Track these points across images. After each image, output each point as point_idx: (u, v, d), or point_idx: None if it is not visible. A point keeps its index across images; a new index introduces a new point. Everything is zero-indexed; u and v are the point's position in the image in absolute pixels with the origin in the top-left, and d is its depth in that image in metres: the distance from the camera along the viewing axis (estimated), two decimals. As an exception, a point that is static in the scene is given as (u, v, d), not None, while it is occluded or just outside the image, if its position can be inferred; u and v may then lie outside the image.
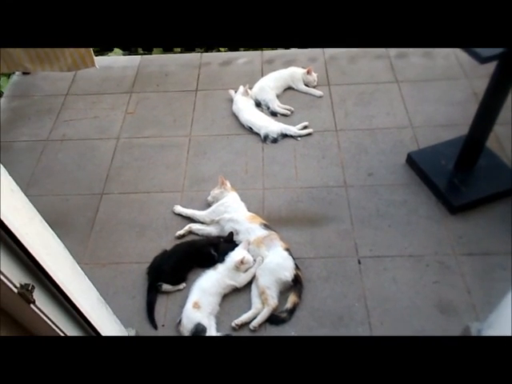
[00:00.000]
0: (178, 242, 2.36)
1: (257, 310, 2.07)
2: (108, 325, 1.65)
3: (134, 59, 3.50)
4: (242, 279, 2.16)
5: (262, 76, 3.18)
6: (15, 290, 0.99)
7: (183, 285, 2.20)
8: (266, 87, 3.06)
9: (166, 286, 2.18)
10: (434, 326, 1.98)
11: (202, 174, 2.69)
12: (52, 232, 1.31)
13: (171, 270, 2.20)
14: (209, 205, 2.49)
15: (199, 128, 2.96)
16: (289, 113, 2.98)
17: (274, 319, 2.06)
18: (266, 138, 2.82)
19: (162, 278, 2.18)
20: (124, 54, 3.77)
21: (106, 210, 2.55)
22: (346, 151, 2.73)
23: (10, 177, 1.10)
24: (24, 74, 3.39)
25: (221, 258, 2.21)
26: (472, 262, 2.18)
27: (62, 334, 1.21)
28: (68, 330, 1.25)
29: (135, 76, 3.35)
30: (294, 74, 3.15)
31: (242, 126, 2.92)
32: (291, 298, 2.10)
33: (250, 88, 3.05)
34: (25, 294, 1.01)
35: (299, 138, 2.83)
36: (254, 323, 2.03)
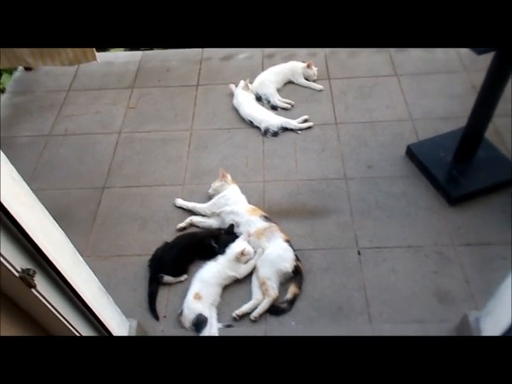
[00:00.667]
0: (180, 234, 2.38)
1: (257, 301, 2.09)
2: (109, 314, 1.67)
3: (136, 54, 3.52)
4: (242, 270, 2.18)
5: (263, 70, 3.19)
6: (16, 274, 1.01)
7: (184, 276, 2.22)
8: (267, 81, 3.07)
9: (167, 278, 2.20)
10: (433, 316, 2.00)
11: (202, 167, 2.71)
12: (53, 220, 1.33)
13: (172, 262, 2.22)
14: (210, 198, 2.51)
15: (200, 122, 2.98)
16: (289, 106, 2.99)
17: (274, 310, 2.08)
18: (266, 132, 2.83)
19: (164, 270, 2.21)
20: (125, 50, 3.78)
21: (107, 203, 2.58)
22: (346, 144, 2.75)
23: (10, 165, 1.13)
24: (26, 70, 3.42)
25: (221, 250, 2.23)
26: (470, 252, 2.19)
27: (63, 320, 1.23)
28: (69, 316, 1.27)
29: (137, 71, 3.38)
30: (294, 68, 3.16)
31: (242, 119, 2.94)
32: (291, 289, 2.12)
33: (251, 82, 3.07)
34: (26, 278, 1.03)
35: (299, 132, 2.84)
36: (255, 314, 2.05)
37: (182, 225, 2.41)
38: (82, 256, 1.52)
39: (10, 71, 3.41)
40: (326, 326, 2.01)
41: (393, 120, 2.83)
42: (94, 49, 2.74)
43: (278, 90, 3.08)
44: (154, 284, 2.19)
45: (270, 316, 2.07)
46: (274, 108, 2.98)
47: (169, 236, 2.36)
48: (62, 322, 1.25)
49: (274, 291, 2.10)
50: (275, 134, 2.82)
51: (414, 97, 2.95)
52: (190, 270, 2.24)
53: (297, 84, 3.15)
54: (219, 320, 2.06)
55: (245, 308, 2.08)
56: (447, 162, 2.48)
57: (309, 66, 3.10)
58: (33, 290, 1.08)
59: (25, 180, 1.22)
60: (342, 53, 3.34)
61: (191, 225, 2.42)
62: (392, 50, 3.31)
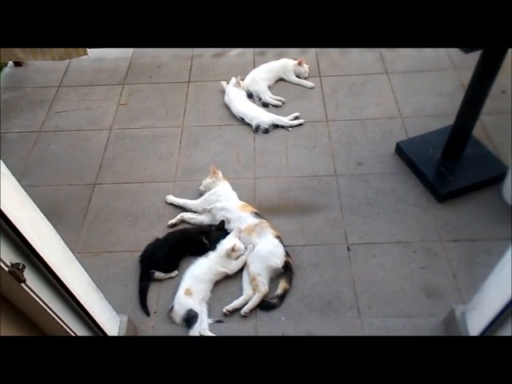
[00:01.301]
0: (171, 230, 2.39)
1: (248, 297, 2.11)
2: (100, 309, 1.68)
3: (127, 51, 3.51)
4: (233, 266, 2.19)
5: (254, 67, 3.21)
6: (6, 269, 1.02)
7: (175, 272, 2.23)
8: (258, 78, 3.08)
9: (158, 274, 2.21)
10: (421, 310, 2.03)
11: (194, 163, 2.72)
12: (43, 216, 1.34)
13: (163, 258, 2.23)
14: (201, 194, 2.52)
15: (191, 119, 2.98)
16: (280, 104, 3.00)
17: (264, 305, 2.10)
18: (257, 129, 2.85)
19: (155, 266, 2.21)
20: (116, 46, 3.77)
21: (98, 199, 2.58)
22: (337, 141, 2.77)
23: (0, 160, 1.13)
24: (16, 65, 3.40)
25: (212, 246, 2.24)
26: (458, 247, 2.22)
27: (53, 315, 1.24)
28: (59, 311, 1.28)
29: (128, 67, 3.37)
30: (285, 65, 3.17)
31: (233, 116, 2.95)
32: (282, 285, 2.14)
33: (242, 79, 3.08)
34: (16, 272, 1.04)
35: (290, 129, 2.86)
36: (245, 309, 2.07)
37: (173, 221, 2.41)
38: (72, 252, 1.53)
39: (0, 67, 3.39)
40: (315, 320, 2.03)
41: (383, 117, 2.86)
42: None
43: (270, 87, 3.10)
44: (145, 280, 2.19)
45: (261, 311, 2.09)
46: (265, 105, 3.00)
47: (160, 232, 2.37)
48: (52, 317, 1.26)
49: (264, 287, 2.11)
50: (266, 131, 2.84)
51: (404, 94, 2.98)
52: (180, 266, 2.26)
53: (288, 81, 3.16)
54: (210, 315, 2.07)
55: (235, 303, 2.09)
56: (436, 159, 2.51)
57: (300, 64, 3.12)
58: (22, 285, 1.09)
59: (15, 176, 1.22)
60: (333, 51, 3.36)
61: (182, 221, 2.43)
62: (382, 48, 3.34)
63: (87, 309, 1.43)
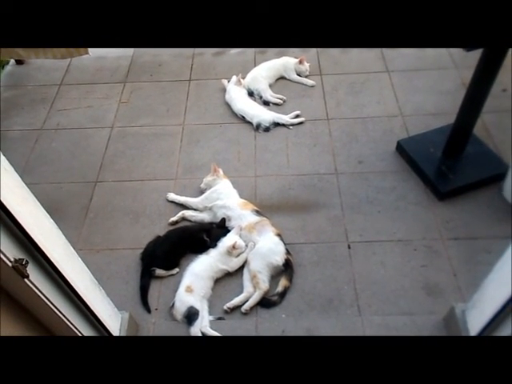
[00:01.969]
0: (172, 228, 2.40)
1: (248, 294, 2.11)
2: (101, 306, 1.69)
3: (128, 49, 3.51)
4: (233, 264, 2.20)
5: (255, 66, 3.21)
6: (9, 264, 1.03)
7: (176, 270, 2.24)
8: (259, 77, 3.09)
9: (159, 271, 2.22)
10: (421, 308, 2.04)
11: (195, 161, 2.72)
12: (45, 212, 1.34)
13: (164, 256, 2.24)
14: (202, 192, 2.52)
15: (192, 117, 2.99)
16: (281, 102, 3.01)
17: (265, 302, 2.10)
18: (258, 127, 2.85)
19: (156, 263, 2.22)
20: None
21: (100, 197, 2.58)
22: (337, 139, 2.77)
23: (2, 156, 1.14)
24: (18, 63, 3.41)
25: (213, 244, 2.25)
26: (458, 246, 2.23)
27: (56, 310, 1.25)
28: (61, 306, 1.29)
29: (129, 66, 3.37)
30: (286, 63, 3.18)
31: (234, 115, 2.96)
32: (282, 282, 2.15)
33: (243, 78, 3.08)
34: (19, 268, 1.04)
35: (291, 127, 2.86)
36: (246, 306, 2.08)
37: (174, 219, 2.42)
38: (74, 249, 1.54)
39: (2, 65, 3.39)
40: (316, 318, 2.04)
41: (383, 116, 2.86)
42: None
43: (270, 86, 3.10)
44: (146, 277, 2.20)
45: (261, 309, 2.09)
46: (266, 103, 3.00)
47: (161, 230, 2.38)
48: (55, 313, 1.26)
49: (264, 284, 2.12)
50: (267, 129, 2.84)
51: (405, 93, 2.99)
52: (181, 263, 2.26)
53: (289, 79, 3.16)
54: (210, 312, 2.08)
55: (236, 301, 2.10)
56: (436, 158, 2.51)
57: (301, 62, 3.12)
58: (25, 280, 1.09)
59: (17, 174, 1.23)
60: (334, 49, 3.36)
61: (183, 219, 2.44)
62: (383, 46, 3.34)
63: (89, 305, 1.44)
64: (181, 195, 2.53)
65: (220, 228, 2.32)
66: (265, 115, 2.87)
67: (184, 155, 2.77)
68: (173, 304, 2.09)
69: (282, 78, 3.18)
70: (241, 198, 2.45)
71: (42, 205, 1.35)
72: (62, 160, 2.79)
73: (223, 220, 2.34)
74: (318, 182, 2.57)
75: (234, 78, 3.04)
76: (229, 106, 3.00)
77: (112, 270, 2.27)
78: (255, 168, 2.66)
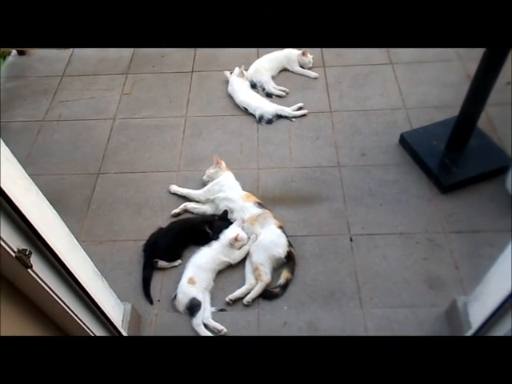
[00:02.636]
0: (174, 220, 2.40)
1: (250, 286, 2.12)
2: (104, 297, 1.69)
3: (130, 40, 3.49)
4: (236, 256, 2.20)
5: (258, 57, 3.19)
6: (13, 254, 1.03)
7: (179, 261, 2.25)
8: (262, 69, 3.07)
9: (161, 263, 2.22)
10: (423, 300, 2.04)
11: (197, 153, 2.72)
12: (48, 203, 1.35)
13: (167, 247, 2.24)
14: (204, 184, 2.52)
15: (195, 109, 2.98)
16: (284, 94, 3.00)
17: (267, 294, 2.11)
18: (260, 119, 2.84)
19: (158, 255, 2.23)
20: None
21: (102, 189, 2.58)
22: (340, 132, 2.76)
23: (5, 146, 1.14)
24: (19, 54, 3.40)
25: (215, 236, 2.25)
26: (461, 239, 2.22)
27: (59, 301, 1.25)
28: (65, 297, 1.29)
29: (131, 57, 3.36)
30: (289, 55, 3.16)
31: (237, 106, 2.95)
32: (284, 274, 2.15)
33: (246, 69, 3.07)
34: (22, 258, 1.05)
35: (294, 119, 2.85)
36: (248, 298, 2.08)
37: (177, 211, 2.42)
38: (76, 240, 1.54)
39: (4, 56, 3.38)
40: (317, 310, 2.05)
41: (387, 108, 2.85)
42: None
43: (273, 78, 3.09)
44: (149, 269, 2.21)
45: (263, 300, 2.10)
46: (268, 95, 2.99)
47: (163, 222, 2.38)
48: (58, 303, 1.27)
49: (266, 276, 2.13)
50: (270, 122, 2.83)
51: (409, 85, 2.97)
52: (184, 255, 2.27)
53: (292, 71, 3.15)
54: (212, 304, 2.09)
55: (238, 293, 2.11)
56: (440, 151, 2.50)
57: (304, 54, 3.10)
58: (29, 271, 1.10)
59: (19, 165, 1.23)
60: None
61: (185, 211, 2.44)
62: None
63: (92, 296, 1.44)
64: (183, 187, 2.53)
65: (222, 220, 2.32)
66: (267, 107, 2.86)
67: (186, 147, 2.76)
68: (175, 295, 2.09)
69: (285, 69, 3.16)
70: (243, 190, 2.45)
71: (45, 196, 1.35)
72: (65, 151, 2.79)
73: (225, 212, 2.34)
74: (320, 174, 2.56)
75: (237, 70, 3.03)
76: (231, 97, 2.99)
77: (114, 261, 2.27)
78: (258, 160, 2.66)
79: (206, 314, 2.02)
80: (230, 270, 2.21)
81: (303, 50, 3.09)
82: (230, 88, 3.02)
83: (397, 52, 3.20)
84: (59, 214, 1.45)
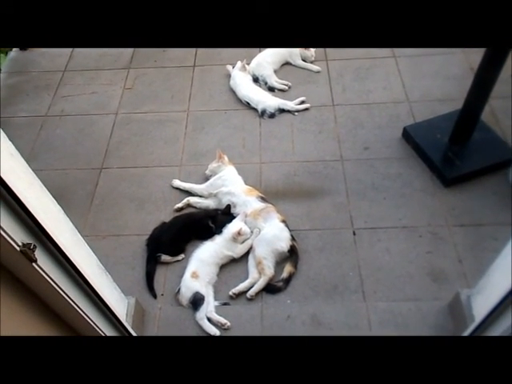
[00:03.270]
0: (177, 214, 2.40)
1: (254, 280, 2.13)
2: (108, 291, 1.70)
3: (132, 35, 3.48)
4: (239, 250, 2.21)
5: (260, 51, 3.17)
6: (17, 248, 1.03)
7: (182, 256, 2.25)
8: (264, 62, 3.06)
9: (165, 257, 2.23)
10: (426, 294, 2.04)
11: (199, 148, 2.72)
12: (51, 197, 1.35)
13: (170, 242, 2.25)
14: (207, 178, 2.52)
15: (197, 103, 2.98)
16: (286, 88, 2.99)
17: (270, 288, 2.12)
18: (263, 113, 2.84)
19: (161, 249, 2.23)
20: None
21: (105, 183, 2.59)
22: (343, 126, 2.75)
23: (9, 141, 1.14)
24: (22, 49, 3.39)
25: (218, 230, 2.26)
26: (464, 232, 2.22)
27: (63, 295, 1.26)
28: (69, 291, 1.29)
29: (133, 51, 3.35)
30: (291, 49, 3.14)
31: (239, 101, 2.94)
32: (287, 268, 2.16)
33: (248, 63, 3.06)
34: (27, 252, 1.05)
35: (296, 113, 2.85)
36: (251, 292, 2.09)
37: (180, 205, 2.43)
38: (80, 235, 1.55)
39: (6, 51, 3.38)
40: (321, 303, 2.05)
41: (389, 102, 2.84)
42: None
43: (276, 72, 3.08)
44: (152, 263, 2.22)
45: (266, 294, 2.11)
46: (271, 89, 2.98)
47: (166, 216, 2.39)
48: (63, 297, 1.27)
49: (270, 270, 2.13)
50: (272, 116, 2.83)
51: (411, 78, 2.95)
52: (187, 249, 2.27)
53: (294, 65, 3.14)
54: (216, 298, 2.10)
55: (241, 286, 2.11)
56: (443, 144, 2.49)
57: (306, 48, 3.08)
58: (33, 265, 1.10)
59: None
60: (340, 34, 3.32)
61: (188, 205, 2.44)
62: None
63: (96, 290, 1.45)
64: (186, 182, 2.53)
65: (225, 214, 2.33)
66: (270, 101, 2.85)
67: (189, 142, 2.76)
68: (178, 290, 2.10)
69: (287, 63, 3.15)
70: (246, 184, 2.45)
71: (48, 191, 1.36)
72: (67, 146, 2.79)
73: (228, 206, 2.34)
74: (323, 168, 2.56)
75: (239, 64, 3.02)
76: (233, 92, 2.99)
77: (118, 255, 2.28)
78: (260, 154, 2.66)
79: (209, 307, 2.03)
80: (233, 264, 2.22)
81: (305, 43, 3.07)
82: (232, 82, 3.01)
83: (400, 45, 3.17)
84: (63, 208, 1.46)
